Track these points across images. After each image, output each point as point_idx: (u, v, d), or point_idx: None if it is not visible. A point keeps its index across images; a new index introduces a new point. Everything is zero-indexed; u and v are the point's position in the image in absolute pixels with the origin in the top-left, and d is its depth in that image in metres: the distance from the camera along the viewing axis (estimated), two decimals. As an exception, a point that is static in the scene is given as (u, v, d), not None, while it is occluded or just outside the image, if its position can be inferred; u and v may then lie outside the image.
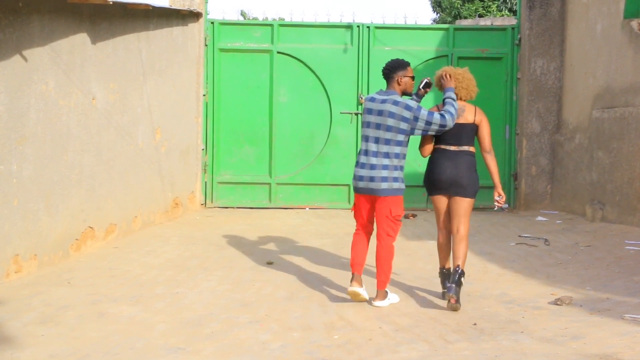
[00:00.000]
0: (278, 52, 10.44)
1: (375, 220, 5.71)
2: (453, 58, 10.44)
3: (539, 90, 10.20)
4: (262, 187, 10.52)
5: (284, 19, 13.37)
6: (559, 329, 4.89)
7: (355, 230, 5.82)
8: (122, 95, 7.91)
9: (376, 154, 5.58)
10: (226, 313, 5.35)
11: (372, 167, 5.58)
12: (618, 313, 5.18)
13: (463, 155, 5.69)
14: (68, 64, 6.78)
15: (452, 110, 5.60)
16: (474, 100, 5.93)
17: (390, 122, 5.54)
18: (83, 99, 7.08)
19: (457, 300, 5.46)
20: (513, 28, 10.52)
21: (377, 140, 5.59)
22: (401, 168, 5.61)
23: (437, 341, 4.74)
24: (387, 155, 5.56)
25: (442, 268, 5.87)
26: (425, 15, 40.49)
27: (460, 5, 21.97)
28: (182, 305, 5.52)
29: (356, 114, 10.45)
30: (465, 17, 21.02)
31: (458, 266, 5.54)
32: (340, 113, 10.46)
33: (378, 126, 5.58)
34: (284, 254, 7.47)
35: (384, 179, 5.54)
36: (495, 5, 21.50)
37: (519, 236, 8.38)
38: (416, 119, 5.52)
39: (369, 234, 5.80)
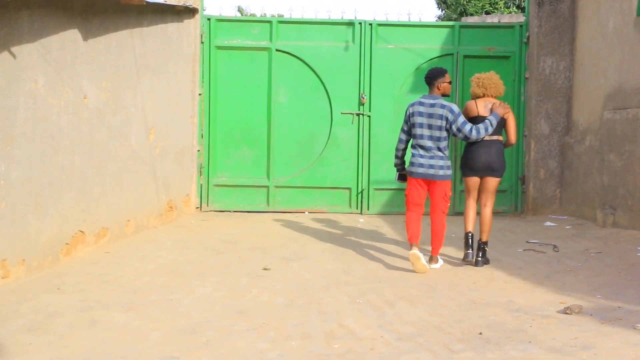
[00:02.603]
0: (277, 50, 10.32)
1: (431, 201, 7.05)
2: (459, 56, 10.33)
3: (548, 90, 10.12)
4: (260, 190, 10.40)
5: (282, 16, 13.27)
6: (569, 339, 4.83)
7: (408, 209, 7.07)
8: (115, 94, 7.87)
9: (432, 148, 6.93)
10: (222, 321, 5.30)
11: (431, 157, 6.93)
12: (630, 322, 5.11)
13: (494, 144, 7.14)
14: (58, 61, 6.74)
15: (482, 129, 6.97)
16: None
17: (439, 122, 6.89)
18: (74, 98, 7.04)
19: (486, 262, 7.15)
20: (521, 25, 10.40)
21: (431, 138, 6.92)
22: (447, 157, 7.01)
23: (442, 351, 4.68)
24: (439, 148, 6.94)
25: (467, 233, 7.17)
26: (430, 12, 40.64)
27: (467, 1, 21.95)
28: (177, 313, 5.48)
29: (358, 114, 10.35)
30: (472, 14, 21.03)
31: (480, 240, 7.12)
32: (342, 113, 10.35)
33: (430, 126, 6.91)
34: (281, 259, 7.45)
35: (441, 167, 6.95)
36: (503, 2, 21.48)
37: (527, 242, 8.34)
38: (454, 121, 6.89)
39: (421, 212, 7.07)
